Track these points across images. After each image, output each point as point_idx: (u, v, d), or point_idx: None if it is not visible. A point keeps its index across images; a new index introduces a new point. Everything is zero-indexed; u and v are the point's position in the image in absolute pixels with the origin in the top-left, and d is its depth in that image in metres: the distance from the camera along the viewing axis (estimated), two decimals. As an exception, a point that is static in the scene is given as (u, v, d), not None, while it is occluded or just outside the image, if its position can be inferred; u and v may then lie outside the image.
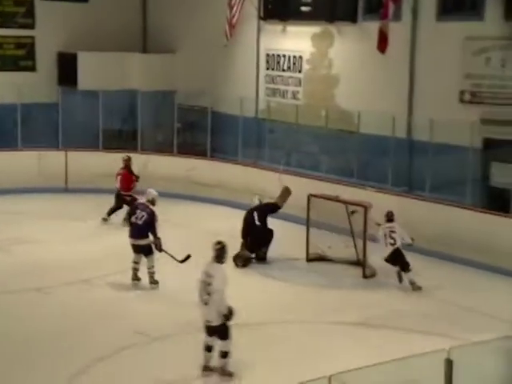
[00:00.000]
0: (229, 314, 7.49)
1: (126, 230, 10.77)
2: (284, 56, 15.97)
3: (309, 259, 11.91)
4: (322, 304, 10.17)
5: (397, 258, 10.93)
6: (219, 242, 7.76)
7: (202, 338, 7.88)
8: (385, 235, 11.01)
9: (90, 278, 10.88)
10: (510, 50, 12.10)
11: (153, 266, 10.49)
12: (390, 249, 10.96)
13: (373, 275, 11.29)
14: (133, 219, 10.56)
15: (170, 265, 10.48)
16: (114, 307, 9.87)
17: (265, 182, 14.14)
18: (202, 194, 15.32)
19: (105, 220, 13.75)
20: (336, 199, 11.93)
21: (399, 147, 13.47)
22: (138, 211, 10.56)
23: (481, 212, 11.90)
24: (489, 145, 12.42)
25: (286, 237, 13.21)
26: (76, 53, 17.04)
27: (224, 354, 7.67)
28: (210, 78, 17.08)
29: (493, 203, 12.10)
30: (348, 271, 11.47)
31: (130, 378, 7.88)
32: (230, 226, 13.13)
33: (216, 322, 7.54)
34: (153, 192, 10.78)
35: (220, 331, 7.60)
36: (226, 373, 7.66)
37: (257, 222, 11.84)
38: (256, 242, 11.82)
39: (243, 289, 10.65)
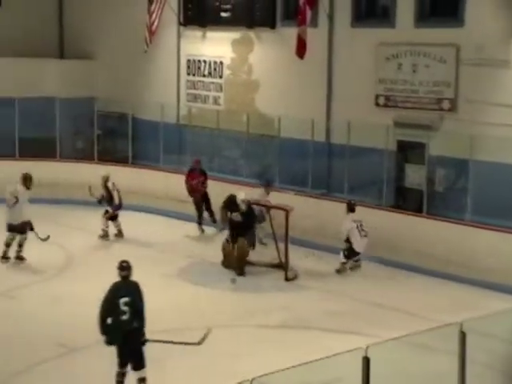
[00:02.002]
0: None
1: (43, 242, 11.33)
2: (205, 61, 16.02)
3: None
4: (243, 308, 10.24)
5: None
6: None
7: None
8: (357, 227, 11.44)
9: (8, 289, 10.61)
10: (419, 56, 12.59)
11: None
12: (364, 241, 11.49)
13: (295, 278, 11.47)
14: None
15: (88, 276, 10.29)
16: (32, 319, 9.65)
17: (185, 189, 14.13)
18: (124, 201, 15.15)
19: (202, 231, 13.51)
20: (258, 203, 12.06)
21: (318, 151, 13.74)
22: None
23: (395, 212, 12.32)
24: (402, 147, 12.85)
25: (208, 241, 13.31)
26: (-11, 58, 16.59)
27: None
28: (131, 84, 16.93)
29: (407, 204, 12.53)
30: (270, 274, 11.59)
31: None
32: (152, 233, 13.11)
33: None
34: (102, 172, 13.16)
35: None
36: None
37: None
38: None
39: (163, 294, 10.65)
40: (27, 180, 11.80)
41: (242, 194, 11.60)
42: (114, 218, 13.16)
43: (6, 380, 7.86)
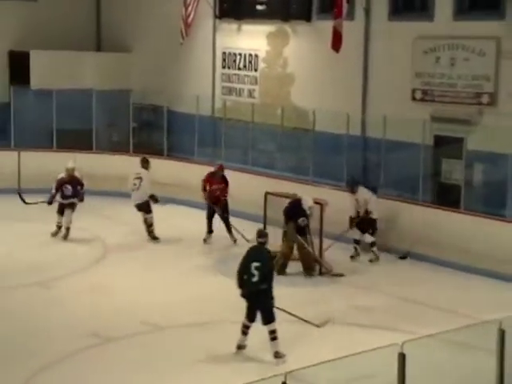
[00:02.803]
0: None
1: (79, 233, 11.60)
2: (240, 54, 16.01)
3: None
4: (276, 302, 10.18)
5: None
6: None
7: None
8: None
9: (45, 279, 10.75)
10: (458, 50, 12.39)
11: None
12: None
13: (329, 272, 11.41)
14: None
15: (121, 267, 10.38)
16: (67, 309, 9.77)
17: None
18: (158, 193, 15.23)
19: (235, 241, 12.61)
20: (293, 197, 12.00)
21: (354, 144, 13.64)
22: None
23: (432, 207, 12.16)
24: (439, 142, 12.68)
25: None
26: (28, 51, 16.79)
27: None
28: (166, 76, 17.00)
29: (443, 199, 12.37)
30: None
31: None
32: (186, 225, 13.14)
33: None
34: (69, 164, 13.03)
35: None
36: None
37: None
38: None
39: (202, 287, 10.70)
40: (144, 162, 12.93)
41: (310, 200, 11.38)
42: (62, 211, 12.70)
43: (41, 369, 7.95)
